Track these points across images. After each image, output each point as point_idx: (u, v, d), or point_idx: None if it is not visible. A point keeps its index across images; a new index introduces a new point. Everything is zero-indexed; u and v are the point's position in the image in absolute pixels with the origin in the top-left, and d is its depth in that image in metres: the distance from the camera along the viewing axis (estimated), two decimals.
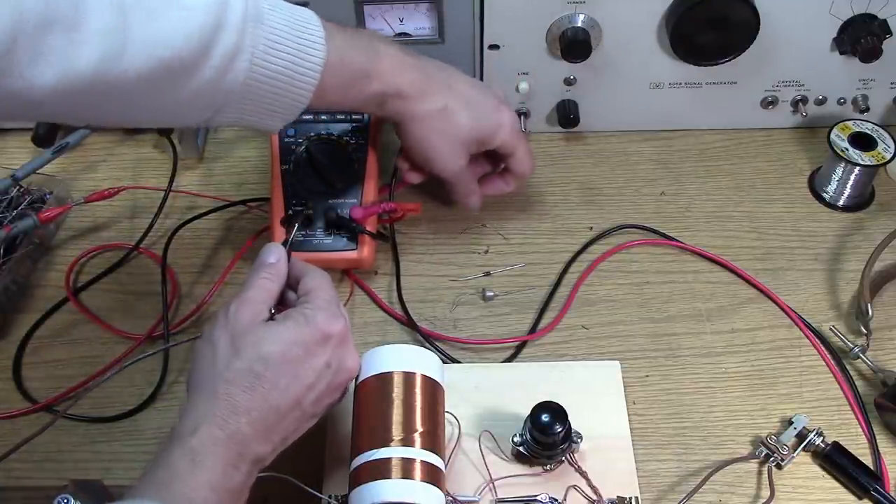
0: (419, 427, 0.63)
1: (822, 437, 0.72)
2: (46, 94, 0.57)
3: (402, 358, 0.67)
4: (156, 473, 0.55)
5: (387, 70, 0.74)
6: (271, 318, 0.63)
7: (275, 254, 0.66)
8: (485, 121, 0.80)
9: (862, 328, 0.79)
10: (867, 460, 0.72)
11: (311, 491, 0.65)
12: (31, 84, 0.56)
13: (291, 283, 0.67)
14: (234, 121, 0.69)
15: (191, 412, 0.58)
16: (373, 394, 0.65)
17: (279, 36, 0.66)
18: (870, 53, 0.87)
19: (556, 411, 0.67)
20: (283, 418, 0.60)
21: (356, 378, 0.67)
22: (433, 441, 0.64)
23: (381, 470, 0.61)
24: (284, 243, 0.68)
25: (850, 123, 0.90)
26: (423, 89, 0.77)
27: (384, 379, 0.65)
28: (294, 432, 0.62)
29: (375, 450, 0.62)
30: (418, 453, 0.62)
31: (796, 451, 0.72)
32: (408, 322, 0.82)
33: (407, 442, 0.63)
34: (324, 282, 0.66)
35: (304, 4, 0.70)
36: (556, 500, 0.68)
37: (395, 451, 0.62)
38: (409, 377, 0.65)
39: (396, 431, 0.63)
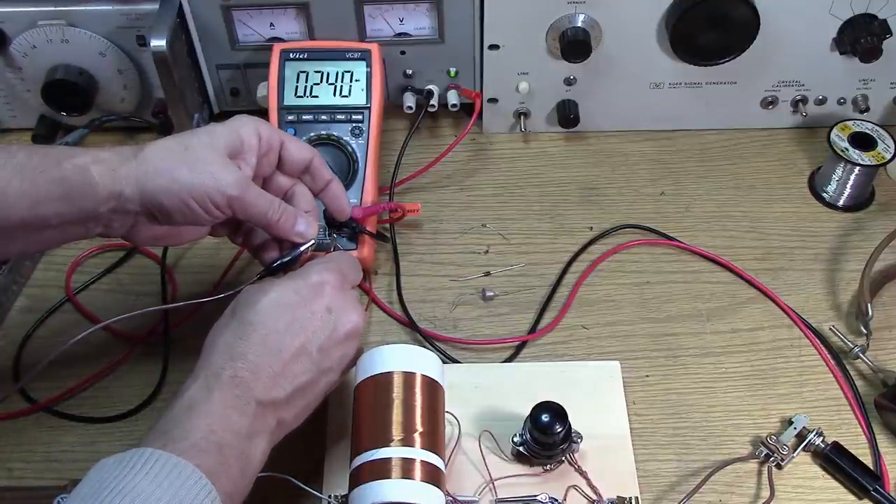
0: (419, 427, 0.63)
1: (822, 437, 0.72)
2: None
3: (402, 358, 0.67)
4: (158, 425, 0.57)
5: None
6: None
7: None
8: (220, 126, 0.68)
9: (862, 328, 0.79)
10: (867, 460, 0.72)
11: (312, 491, 0.65)
12: None
13: None
14: None
15: (193, 372, 0.60)
16: (373, 394, 0.65)
17: None
18: (870, 53, 0.87)
19: (556, 411, 0.67)
20: (290, 364, 0.61)
21: (356, 378, 0.67)
22: (433, 441, 0.64)
23: (381, 470, 0.61)
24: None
25: (850, 123, 0.90)
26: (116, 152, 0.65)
27: (384, 379, 0.65)
28: (309, 385, 0.62)
29: (375, 450, 0.62)
30: (418, 453, 0.62)
31: (796, 451, 0.72)
32: (408, 322, 0.82)
33: (407, 442, 0.63)
34: (340, 252, 0.68)
35: None
36: (556, 500, 0.68)
37: (395, 452, 0.62)
38: (409, 377, 0.65)
39: (396, 431, 0.63)
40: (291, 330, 0.61)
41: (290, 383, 0.61)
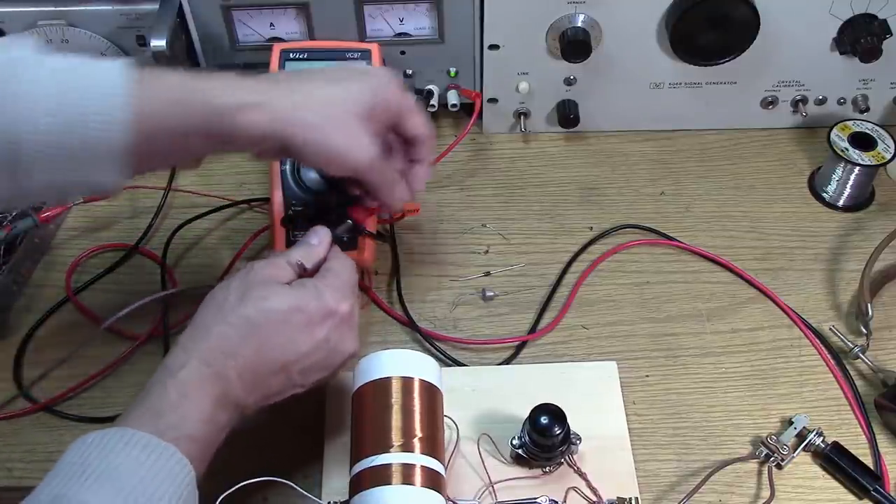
0: (418, 432, 0.63)
1: (822, 437, 0.72)
2: None
3: (399, 363, 0.67)
4: (147, 402, 0.58)
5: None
6: (288, 284, 0.64)
7: (319, 237, 0.69)
8: (363, 83, 0.69)
9: (862, 328, 0.79)
10: (867, 460, 0.72)
11: (312, 497, 0.65)
12: None
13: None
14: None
15: (185, 345, 0.61)
16: (371, 399, 0.65)
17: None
18: (870, 53, 0.87)
19: (555, 413, 0.67)
20: (269, 377, 0.62)
21: (354, 383, 0.67)
22: (433, 446, 0.64)
23: (381, 476, 0.61)
24: (332, 231, 0.71)
25: (850, 123, 0.90)
26: (270, 88, 0.66)
27: (382, 384, 0.65)
28: (277, 394, 0.64)
29: (375, 456, 0.62)
30: (418, 459, 0.62)
31: (796, 451, 0.72)
32: (408, 322, 0.82)
33: (407, 447, 0.63)
34: (346, 265, 0.68)
35: None
36: (556, 502, 0.68)
37: (394, 457, 0.62)
38: (407, 382, 0.65)
39: (396, 437, 0.63)
40: (285, 348, 0.62)
41: (262, 393, 0.62)
